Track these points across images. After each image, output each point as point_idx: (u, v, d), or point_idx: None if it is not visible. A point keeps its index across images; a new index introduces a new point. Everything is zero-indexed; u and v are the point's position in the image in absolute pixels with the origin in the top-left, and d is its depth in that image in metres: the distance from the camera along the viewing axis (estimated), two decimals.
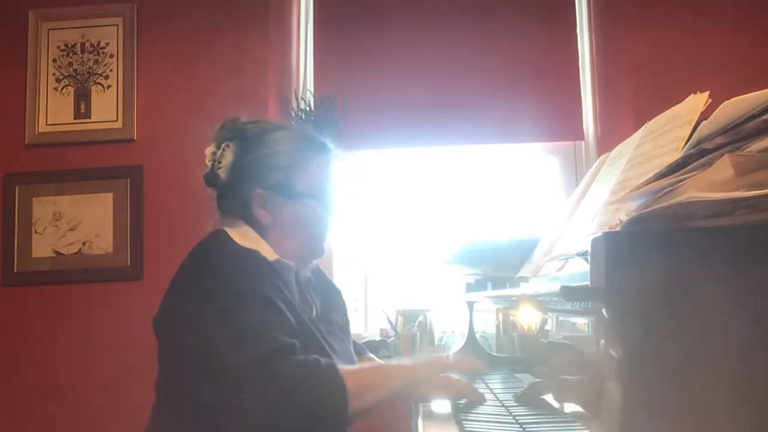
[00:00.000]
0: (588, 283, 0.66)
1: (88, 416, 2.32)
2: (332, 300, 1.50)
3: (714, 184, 0.60)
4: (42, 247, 2.46)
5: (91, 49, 2.53)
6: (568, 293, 0.74)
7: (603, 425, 0.69)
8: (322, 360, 1.16)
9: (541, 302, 1.14)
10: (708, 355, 0.61)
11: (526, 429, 1.06)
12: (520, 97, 2.46)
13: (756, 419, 0.60)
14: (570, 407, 1.07)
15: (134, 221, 2.44)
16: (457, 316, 2.26)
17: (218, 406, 1.13)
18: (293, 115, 2.42)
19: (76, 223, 2.46)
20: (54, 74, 2.53)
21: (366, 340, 2.28)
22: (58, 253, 2.46)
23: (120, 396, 2.27)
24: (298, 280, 1.38)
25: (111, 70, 2.52)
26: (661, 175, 0.67)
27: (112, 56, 2.52)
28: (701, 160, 0.63)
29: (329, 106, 2.39)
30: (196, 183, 1.40)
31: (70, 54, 2.54)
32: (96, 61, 2.53)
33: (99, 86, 2.51)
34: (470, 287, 1.72)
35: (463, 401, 1.22)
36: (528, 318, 1.51)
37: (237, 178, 1.34)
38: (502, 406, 1.27)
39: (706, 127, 0.65)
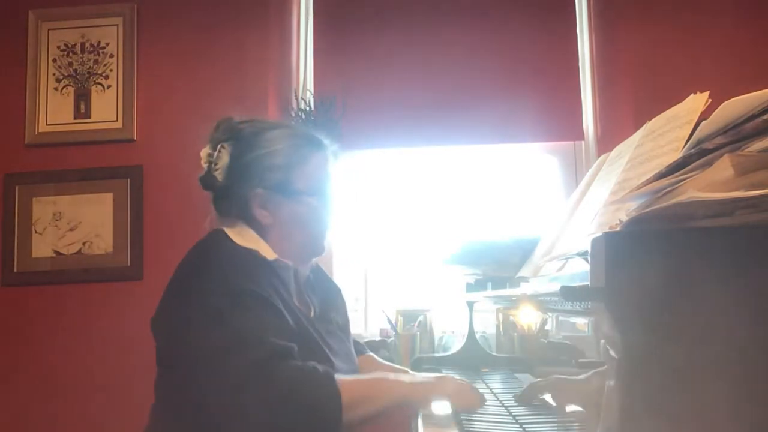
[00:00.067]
0: (588, 283, 0.66)
1: (88, 416, 2.32)
2: (332, 299, 1.50)
3: (714, 184, 0.60)
4: (42, 247, 2.46)
5: (91, 49, 2.53)
6: (568, 293, 0.74)
7: (603, 425, 0.69)
8: (320, 367, 1.16)
9: (541, 302, 1.14)
10: (708, 355, 0.61)
11: (526, 429, 1.06)
12: (520, 97, 2.46)
13: (756, 419, 0.60)
14: (570, 407, 1.06)
15: (134, 221, 2.44)
16: (457, 316, 2.26)
17: (217, 407, 1.13)
18: (293, 115, 2.42)
19: (76, 223, 2.46)
20: (54, 74, 2.53)
21: (366, 340, 2.28)
22: (58, 253, 2.46)
23: (120, 396, 2.27)
24: (297, 280, 1.38)
25: (111, 70, 2.52)
26: (661, 175, 0.66)
27: (112, 56, 2.52)
28: (701, 160, 0.63)
29: (329, 106, 2.39)
30: (196, 183, 1.39)
31: (70, 54, 2.54)
32: (96, 61, 2.52)
33: (99, 86, 2.51)
34: (470, 287, 1.72)
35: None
36: (528, 318, 1.51)
37: (235, 179, 1.34)
38: (502, 406, 1.27)
39: (706, 127, 0.65)
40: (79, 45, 2.54)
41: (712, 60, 2.32)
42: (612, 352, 0.67)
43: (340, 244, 2.54)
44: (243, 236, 1.31)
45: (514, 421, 1.13)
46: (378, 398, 1.19)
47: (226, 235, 1.31)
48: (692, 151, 0.64)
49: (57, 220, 2.47)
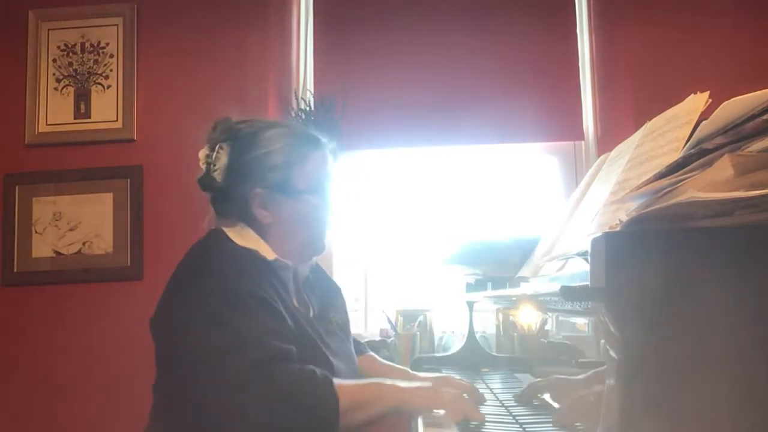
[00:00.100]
0: (588, 283, 0.66)
1: (88, 416, 2.32)
2: (331, 298, 1.50)
3: (714, 184, 0.60)
4: (42, 247, 2.46)
5: (91, 49, 2.53)
6: (568, 293, 0.74)
7: (603, 425, 0.69)
8: (318, 372, 1.16)
9: (541, 302, 1.14)
10: (708, 355, 0.61)
11: (526, 429, 1.06)
12: (520, 97, 2.46)
13: (756, 419, 0.60)
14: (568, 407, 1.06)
15: (134, 221, 2.44)
16: (457, 316, 2.26)
17: (216, 407, 1.13)
18: (293, 115, 2.42)
19: (76, 223, 2.46)
20: (54, 74, 2.53)
21: (366, 340, 2.27)
22: (58, 253, 2.46)
23: (120, 396, 2.27)
24: (296, 280, 1.38)
25: (111, 70, 2.52)
26: (661, 175, 0.67)
27: (112, 56, 2.52)
28: (701, 160, 0.63)
29: (329, 106, 2.39)
30: (196, 183, 1.39)
31: (70, 54, 2.54)
32: (96, 61, 2.53)
33: (99, 86, 2.51)
34: (470, 287, 1.72)
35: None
36: (528, 318, 1.51)
37: (234, 180, 1.33)
38: (502, 406, 1.27)
39: (706, 127, 0.65)
40: (79, 45, 2.54)
41: (712, 60, 2.32)
42: (612, 352, 0.67)
43: (340, 244, 2.54)
44: (242, 236, 1.31)
45: (514, 421, 1.13)
46: (375, 403, 1.19)
47: (226, 234, 1.31)
48: (692, 151, 0.64)
49: (57, 220, 2.47)
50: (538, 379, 1.36)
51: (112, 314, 2.36)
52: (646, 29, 2.39)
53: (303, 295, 1.41)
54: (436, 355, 1.97)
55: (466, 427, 1.12)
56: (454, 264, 1.74)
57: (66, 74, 2.53)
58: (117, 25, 2.53)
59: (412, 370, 1.58)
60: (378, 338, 2.37)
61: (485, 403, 1.32)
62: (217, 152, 1.33)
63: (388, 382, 1.25)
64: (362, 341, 1.71)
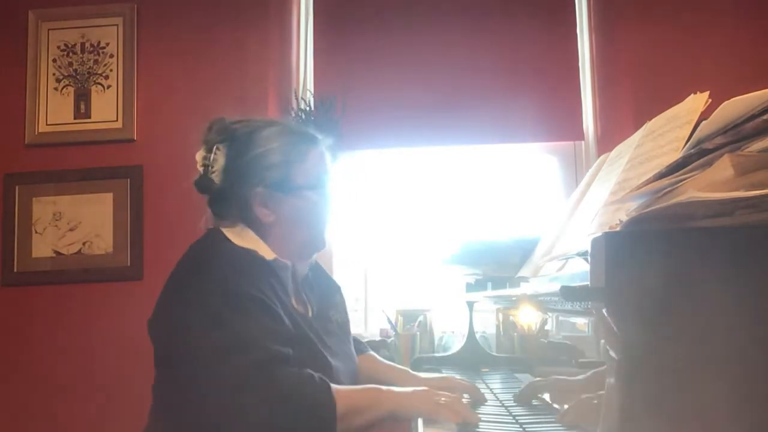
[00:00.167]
0: (588, 283, 0.66)
1: (88, 416, 2.32)
2: (330, 297, 1.49)
3: (714, 184, 0.60)
4: (42, 247, 2.46)
5: (91, 49, 2.53)
6: (568, 293, 0.74)
7: (603, 425, 0.69)
8: (316, 376, 1.17)
9: (541, 302, 1.14)
10: (708, 355, 0.61)
11: (526, 429, 1.06)
12: (520, 97, 2.46)
13: (756, 419, 0.60)
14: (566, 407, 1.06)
15: (134, 221, 2.44)
16: (457, 316, 2.26)
17: (216, 407, 1.13)
18: (293, 115, 2.42)
19: (76, 223, 2.46)
20: (54, 74, 2.53)
21: (366, 340, 2.27)
22: (58, 253, 2.46)
23: (120, 396, 2.27)
24: (295, 279, 1.38)
25: (111, 70, 2.52)
26: (661, 175, 0.66)
27: (112, 56, 2.52)
28: (701, 160, 0.63)
29: (329, 106, 2.39)
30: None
31: (70, 54, 2.54)
32: (96, 61, 2.53)
33: (99, 86, 2.51)
34: (470, 287, 1.72)
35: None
36: (528, 318, 1.51)
37: (233, 180, 1.33)
38: (502, 406, 1.27)
39: (706, 127, 0.65)
40: (79, 45, 2.54)
41: (712, 60, 2.32)
42: (612, 352, 0.67)
43: (340, 244, 2.54)
44: (241, 236, 1.31)
45: (514, 421, 1.13)
46: (371, 409, 1.20)
47: (224, 235, 1.31)
48: (692, 151, 0.64)
49: (57, 220, 2.47)
50: (537, 379, 1.36)
51: (112, 314, 2.36)
52: (646, 29, 2.39)
53: (302, 295, 1.41)
54: (436, 355, 1.97)
55: (466, 428, 1.12)
56: (454, 264, 1.74)
57: (66, 74, 2.53)
58: (117, 25, 2.53)
59: (412, 370, 1.58)
60: (378, 338, 2.37)
61: (485, 403, 1.32)
62: (215, 154, 1.33)
63: (384, 388, 1.25)
64: (363, 340, 1.71)
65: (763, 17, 2.36)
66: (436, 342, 2.35)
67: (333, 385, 1.17)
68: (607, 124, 2.43)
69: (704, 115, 0.71)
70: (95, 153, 2.48)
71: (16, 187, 2.48)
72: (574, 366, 1.01)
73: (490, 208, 2.56)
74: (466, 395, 1.34)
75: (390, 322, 2.33)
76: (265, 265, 1.28)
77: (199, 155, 1.35)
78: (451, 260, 1.73)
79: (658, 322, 0.62)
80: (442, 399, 1.20)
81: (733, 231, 0.60)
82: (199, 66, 2.50)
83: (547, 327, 1.28)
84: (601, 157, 1.33)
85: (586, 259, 0.70)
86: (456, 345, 2.01)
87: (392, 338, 2.32)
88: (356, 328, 2.01)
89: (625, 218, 0.65)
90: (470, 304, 1.83)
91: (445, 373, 1.56)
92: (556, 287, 0.78)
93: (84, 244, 2.46)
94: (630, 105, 2.34)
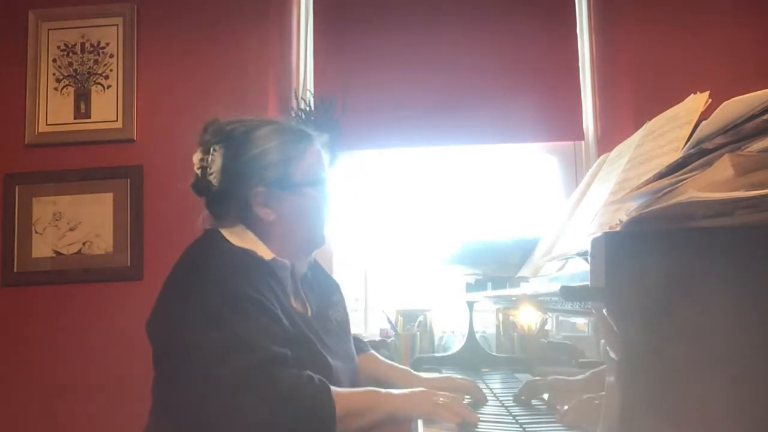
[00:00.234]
0: (588, 283, 0.66)
1: (88, 416, 2.32)
2: (330, 296, 1.49)
3: (714, 184, 0.60)
4: (42, 247, 2.46)
5: (91, 49, 2.53)
6: (568, 293, 0.74)
7: (603, 425, 0.69)
8: (316, 378, 1.17)
9: (541, 302, 1.14)
10: (708, 355, 0.61)
11: (526, 429, 1.06)
12: (520, 97, 2.46)
13: (756, 419, 0.60)
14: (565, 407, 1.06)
15: (134, 221, 2.44)
16: (457, 316, 2.26)
17: (216, 407, 1.13)
18: (293, 115, 2.42)
19: (76, 223, 2.46)
20: (54, 74, 2.53)
21: (366, 340, 2.27)
22: (58, 253, 2.46)
23: (120, 396, 2.27)
24: (294, 278, 1.38)
25: (111, 70, 2.52)
26: (661, 175, 0.66)
27: (112, 56, 2.52)
28: (701, 160, 0.63)
29: (329, 106, 2.39)
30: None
31: (70, 54, 2.53)
32: (96, 61, 2.52)
33: (99, 86, 2.51)
34: (470, 287, 1.72)
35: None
36: (528, 318, 1.51)
37: (232, 181, 1.32)
38: (502, 406, 1.27)
39: (706, 127, 0.65)
40: (79, 45, 2.54)
41: (712, 60, 2.32)
42: (612, 352, 0.67)
43: (340, 244, 2.54)
44: (239, 237, 1.31)
45: (514, 421, 1.13)
46: (370, 411, 1.20)
47: (221, 235, 1.31)
48: (692, 151, 0.64)
49: (57, 220, 2.47)
50: (536, 378, 1.36)
51: (112, 314, 2.36)
52: (646, 29, 2.39)
53: (301, 294, 1.41)
54: (436, 355, 1.97)
55: (466, 428, 1.12)
56: (454, 264, 1.74)
57: (66, 74, 2.53)
58: (117, 25, 2.53)
59: (412, 370, 1.58)
60: (378, 338, 2.37)
61: (486, 404, 1.32)
62: (212, 155, 1.33)
63: (383, 390, 1.25)
64: (364, 339, 1.71)
65: (763, 17, 2.36)
66: (436, 342, 2.35)
67: (332, 388, 1.17)
68: (607, 124, 2.43)
69: (704, 115, 0.71)
70: (95, 153, 2.48)
71: (16, 187, 2.48)
72: (574, 366, 1.01)
73: (490, 208, 2.56)
74: (467, 396, 1.34)
75: (390, 322, 2.33)
76: (263, 265, 1.28)
77: (196, 157, 1.34)
78: (451, 260, 1.73)
79: (658, 322, 0.62)
80: (441, 399, 1.20)
81: (733, 231, 0.60)
82: (199, 66, 2.50)
83: (547, 327, 1.28)
84: (601, 157, 1.33)
85: (586, 259, 0.70)
86: (456, 345, 2.01)
87: (392, 338, 2.32)
88: (356, 328, 2.01)
89: (625, 218, 0.65)
90: (470, 304, 1.83)
91: (446, 373, 1.56)
92: (556, 287, 0.78)
93: (84, 244, 2.46)
94: (630, 105, 2.34)
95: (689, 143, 0.68)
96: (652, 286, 0.61)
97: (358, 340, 1.59)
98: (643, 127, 1.06)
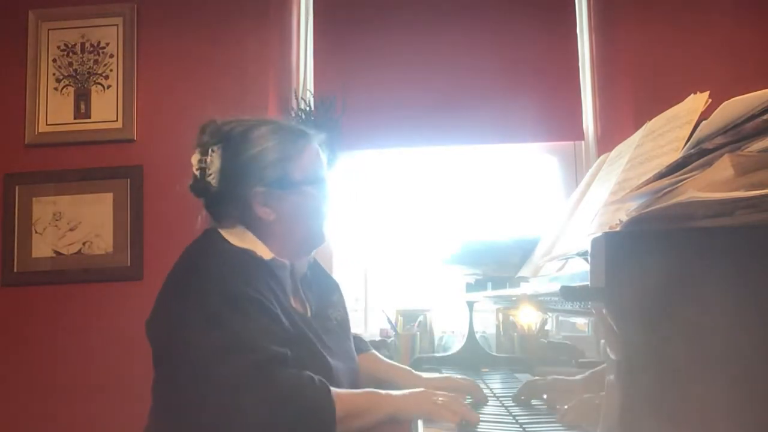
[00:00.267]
0: (588, 283, 0.66)
1: (88, 416, 2.32)
2: (329, 295, 1.49)
3: (714, 184, 0.60)
4: (42, 247, 2.46)
5: (91, 49, 2.53)
6: (568, 293, 0.74)
7: (603, 425, 0.69)
8: (316, 378, 1.17)
9: (541, 302, 1.14)
10: (708, 355, 0.61)
11: (526, 429, 1.06)
12: (520, 97, 2.46)
13: (756, 419, 0.60)
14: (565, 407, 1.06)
15: (134, 221, 2.44)
16: (457, 316, 2.26)
17: (216, 407, 1.13)
18: (293, 115, 2.42)
19: (76, 223, 2.46)
20: (54, 74, 2.53)
21: (366, 340, 2.27)
22: (58, 253, 2.46)
23: (120, 396, 2.27)
24: (294, 278, 1.38)
25: (111, 70, 2.52)
26: (661, 175, 0.66)
27: (112, 56, 2.52)
28: (701, 160, 0.63)
29: (329, 106, 2.39)
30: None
31: (70, 54, 2.53)
32: (96, 61, 2.52)
33: (99, 86, 2.51)
34: (470, 287, 1.72)
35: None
36: (528, 318, 1.51)
37: (231, 182, 1.32)
38: (502, 406, 1.27)
39: (706, 127, 0.65)
40: (79, 45, 2.54)
41: (712, 60, 2.32)
42: (612, 353, 0.67)
43: (340, 244, 2.54)
44: (238, 237, 1.31)
45: (514, 421, 1.13)
46: (370, 412, 1.20)
47: (221, 235, 1.31)
48: (692, 151, 0.64)
49: (57, 220, 2.47)
50: (535, 378, 1.36)
51: (112, 314, 2.36)
52: (646, 29, 2.39)
53: (300, 294, 1.41)
54: (436, 355, 1.97)
55: (466, 428, 1.12)
56: (454, 264, 1.74)
57: (66, 74, 2.53)
58: (117, 25, 2.53)
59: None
60: (378, 338, 2.37)
61: (486, 404, 1.32)
62: (210, 156, 1.32)
63: (383, 392, 1.25)
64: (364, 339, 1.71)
65: (763, 17, 2.36)
66: (436, 342, 2.35)
67: (333, 389, 1.17)
68: (607, 124, 2.43)
69: (704, 115, 0.71)
70: (95, 153, 2.48)
71: (16, 187, 2.48)
72: (574, 366, 1.01)
73: (490, 208, 2.56)
74: (468, 397, 1.34)
75: (390, 322, 2.33)
76: (263, 265, 1.28)
77: (194, 159, 1.34)
78: (451, 260, 1.73)
79: (658, 322, 0.62)
80: (440, 399, 1.20)
81: (733, 231, 0.60)
82: (199, 66, 2.50)
83: (547, 327, 1.28)
84: (601, 157, 1.33)
85: (586, 259, 0.70)
86: (456, 345, 2.01)
87: (392, 338, 2.32)
88: (356, 328, 2.01)
89: (625, 218, 0.65)
90: (470, 304, 1.83)
91: (446, 373, 1.56)
92: (556, 287, 0.78)
93: (84, 244, 2.46)
94: (630, 105, 2.34)
95: (689, 143, 0.68)
96: (652, 286, 0.61)
97: (359, 339, 1.59)
98: (643, 127, 1.06)
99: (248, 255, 1.28)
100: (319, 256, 1.55)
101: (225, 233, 1.31)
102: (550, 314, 1.22)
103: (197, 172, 1.33)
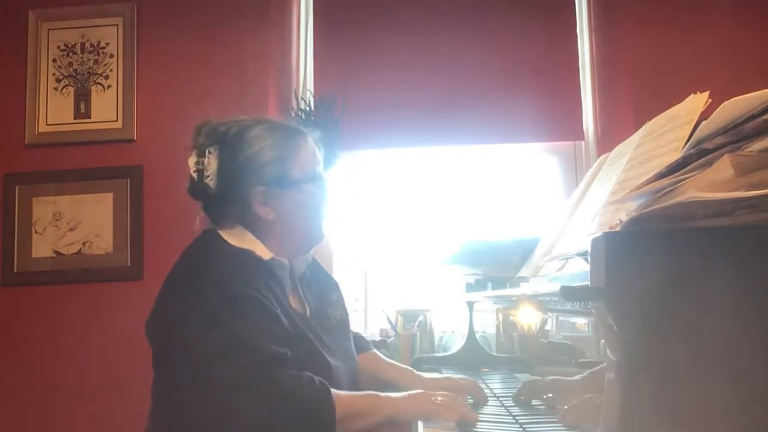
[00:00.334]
0: (588, 283, 0.66)
1: (88, 416, 2.32)
2: (329, 294, 1.49)
3: (714, 184, 0.60)
4: (42, 247, 2.46)
5: (91, 49, 2.53)
6: (568, 293, 0.74)
7: (603, 425, 0.69)
8: (316, 379, 1.17)
9: (541, 302, 1.14)
10: (708, 355, 0.61)
11: (526, 429, 1.06)
12: (520, 97, 2.46)
13: (756, 419, 0.60)
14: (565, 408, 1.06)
15: (134, 221, 2.44)
16: (457, 316, 2.26)
17: (216, 407, 1.13)
18: (293, 115, 2.42)
19: (76, 223, 2.46)
20: (54, 74, 2.53)
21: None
22: (58, 253, 2.46)
23: (120, 396, 2.27)
24: (293, 277, 1.38)
25: (111, 70, 2.52)
26: (661, 175, 0.66)
27: (112, 56, 2.52)
28: (701, 160, 0.63)
29: (329, 106, 2.39)
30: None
31: (70, 54, 2.53)
32: (96, 61, 2.52)
33: (99, 86, 2.51)
34: (470, 287, 1.72)
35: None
36: (528, 318, 1.51)
37: (230, 183, 1.32)
38: (502, 406, 1.27)
39: (706, 127, 0.65)
40: (79, 45, 2.54)
41: (712, 60, 2.32)
42: (612, 353, 0.67)
43: (340, 244, 2.54)
44: (237, 237, 1.31)
45: (514, 421, 1.13)
46: (369, 414, 1.20)
47: (219, 235, 1.31)
48: (692, 151, 0.64)
49: (57, 220, 2.47)
50: (536, 378, 1.36)
51: (112, 314, 2.36)
52: (646, 29, 2.39)
53: (300, 293, 1.41)
54: (436, 355, 1.97)
55: (466, 427, 1.12)
56: (454, 264, 1.74)
57: (66, 74, 2.53)
58: (117, 25, 2.53)
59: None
60: (378, 338, 2.37)
61: (486, 404, 1.32)
62: (207, 158, 1.32)
63: (383, 394, 1.25)
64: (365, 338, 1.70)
65: (763, 17, 2.36)
66: (436, 342, 2.35)
67: (333, 390, 1.17)
68: (607, 124, 2.43)
69: (704, 115, 0.71)
70: (95, 153, 2.48)
71: (16, 187, 2.48)
72: (574, 366, 1.01)
73: (490, 208, 2.56)
74: (469, 397, 1.34)
75: (390, 322, 2.33)
76: (262, 265, 1.28)
77: (192, 161, 1.34)
78: (451, 260, 1.73)
79: (658, 322, 0.62)
80: (439, 398, 1.20)
81: (733, 231, 0.60)
82: (199, 66, 2.50)
83: (547, 327, 1.28)
84: (601, 157, 1.33)
85: (586, 259, 0.70)
86: (456, 345, 2.01)
87: (392, 338, 2.32)
88: (356, 328, 2.01)
89: (625, 218, 0.65)
90: (470, 304, 1.83)
91: (446, 373, 1.56)
92: (556, 287, 0.78)
93: (84, 244, 2.46)
94: (630, 105, 2.34)
95: (689, 143, 0.68)
96: (652, 286, 0.61)
97: (360, 338, 1.59)
98: (643, 127, 1.06)
99: (247, 255, 1.28)
100: (319, 256, 1.55)
101: (224, 234, 1.31)
102: (550, 314, 1.22)
103: (195, 175, 1.33)
